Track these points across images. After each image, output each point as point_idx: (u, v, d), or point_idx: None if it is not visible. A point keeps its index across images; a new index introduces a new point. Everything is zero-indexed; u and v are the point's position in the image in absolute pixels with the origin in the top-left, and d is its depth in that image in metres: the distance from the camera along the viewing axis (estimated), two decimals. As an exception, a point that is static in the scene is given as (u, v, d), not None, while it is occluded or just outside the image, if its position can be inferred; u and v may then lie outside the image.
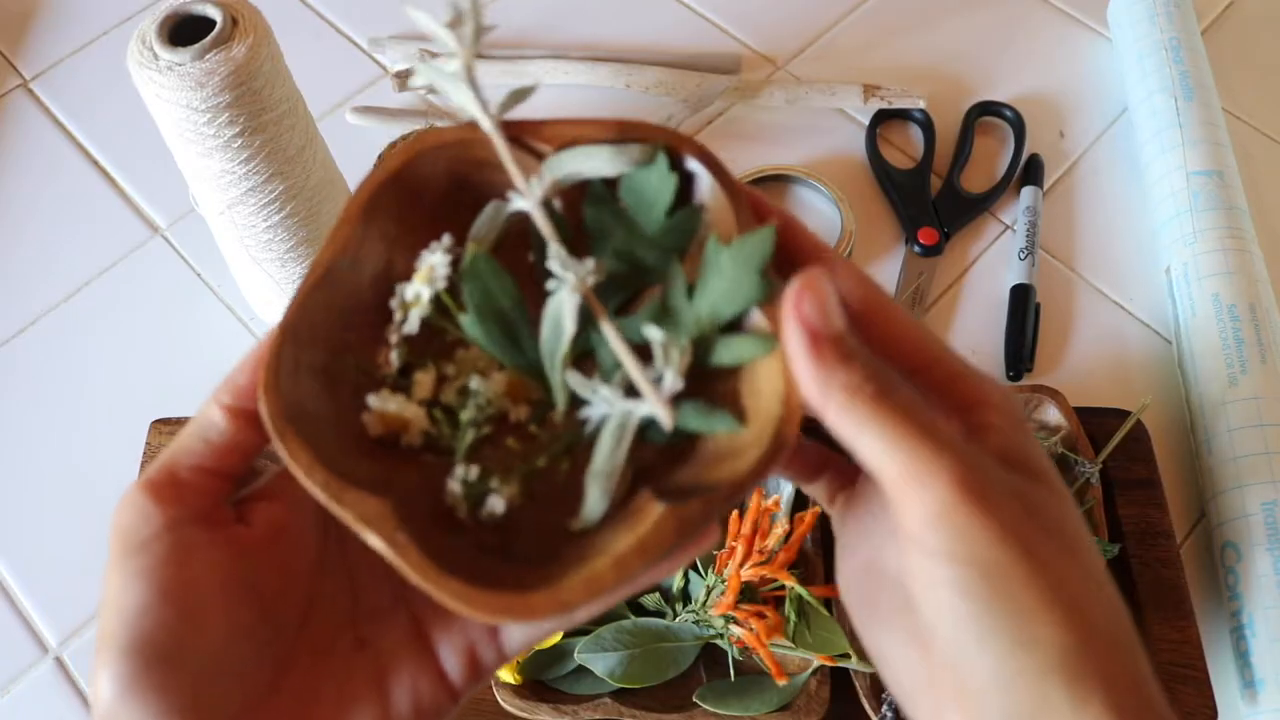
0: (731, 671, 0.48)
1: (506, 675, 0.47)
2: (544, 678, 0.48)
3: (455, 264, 0.31)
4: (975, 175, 0.68)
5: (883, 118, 0.70)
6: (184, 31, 0.47)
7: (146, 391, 0.61)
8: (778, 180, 0.67)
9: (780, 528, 0.47)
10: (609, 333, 0.30)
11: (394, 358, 0.31)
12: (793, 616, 0.47)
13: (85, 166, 0.71)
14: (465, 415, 0.31)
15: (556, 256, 0.30)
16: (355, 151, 0.63)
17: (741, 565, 0.47)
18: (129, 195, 0.70)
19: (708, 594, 0.48)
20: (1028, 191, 0.66)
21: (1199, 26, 0.70)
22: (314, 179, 0.54)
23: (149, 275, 0.66)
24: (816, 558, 0.50)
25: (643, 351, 0.30)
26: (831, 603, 0.48)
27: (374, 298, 0.31)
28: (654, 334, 0.29)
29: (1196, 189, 0.61)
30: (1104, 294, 0.63)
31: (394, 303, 0.31)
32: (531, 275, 0.32)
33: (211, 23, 0.47)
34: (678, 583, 0.49)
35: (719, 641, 0.48)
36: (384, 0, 0.78)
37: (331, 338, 0.30)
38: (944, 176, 0.68)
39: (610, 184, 0.32)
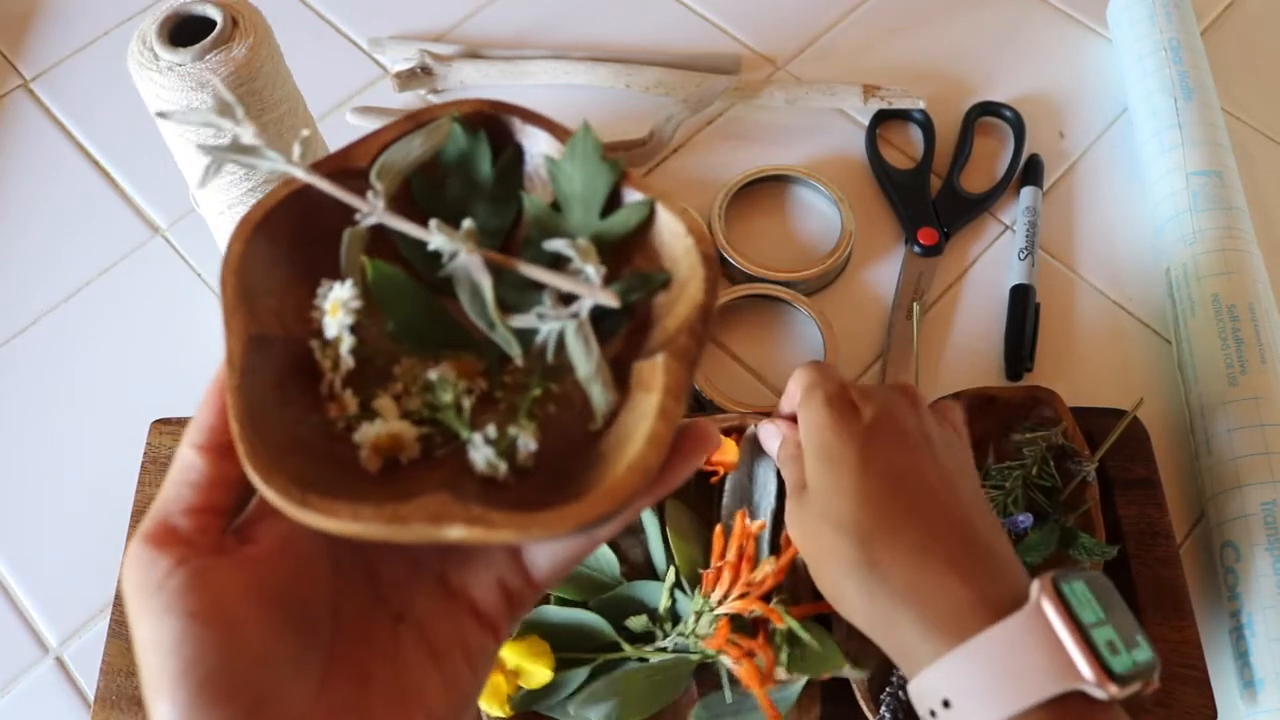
0: (726, 691, 0.47)
1: (496, 710, 0.46)
2: (536, 708, 0.47)
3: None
4: (975, 175, 0.68)
5: (882, 118, 0.70)
6: (184, 32, 0.48)
7: (147, 391, 0.61)
8: (777, 180, 0.67)
9: (769, 565, 0.47)
10: (526, 269, 0.32)
11: (348, 400, 0.31)
12: (785, 647, 0.46)
13: (86, 167, 0.71)
14: (446, 398, 0.31)
15: (436, 234, 0.31)
16: (355, 152, 0.63)
17: (727, 595, 0.47)
18: (129, 195, 0.70)
19: (697, 618, 0.47)
20: (1027, 192, 0.66)
21: (1199, 27, 0.70)
22: (314, 179, 0.54)
23: (149, 275, 0.66)
24: (802, 571, 0.48)
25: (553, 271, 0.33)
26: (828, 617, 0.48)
27: (291, 364, 0.32)
28: (559, 245, 0.32)
29: (1196, 189, 0.61)
30: (1104, 294, 0.63)
31: (318, 354, 0.32)
32: (414, 276, 0.34)
33: (212, 23, 0.47)
34: (664, 603, 0.48)
35: (710, 660, 0.48)
36: (384, 1, 0.78)
37: (281, 416, 0.30)
38: (944, 177, 0.68)
39: (436, 177, 0.35)
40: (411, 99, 0.73)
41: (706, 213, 0.65)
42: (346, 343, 0.31)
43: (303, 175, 0.32)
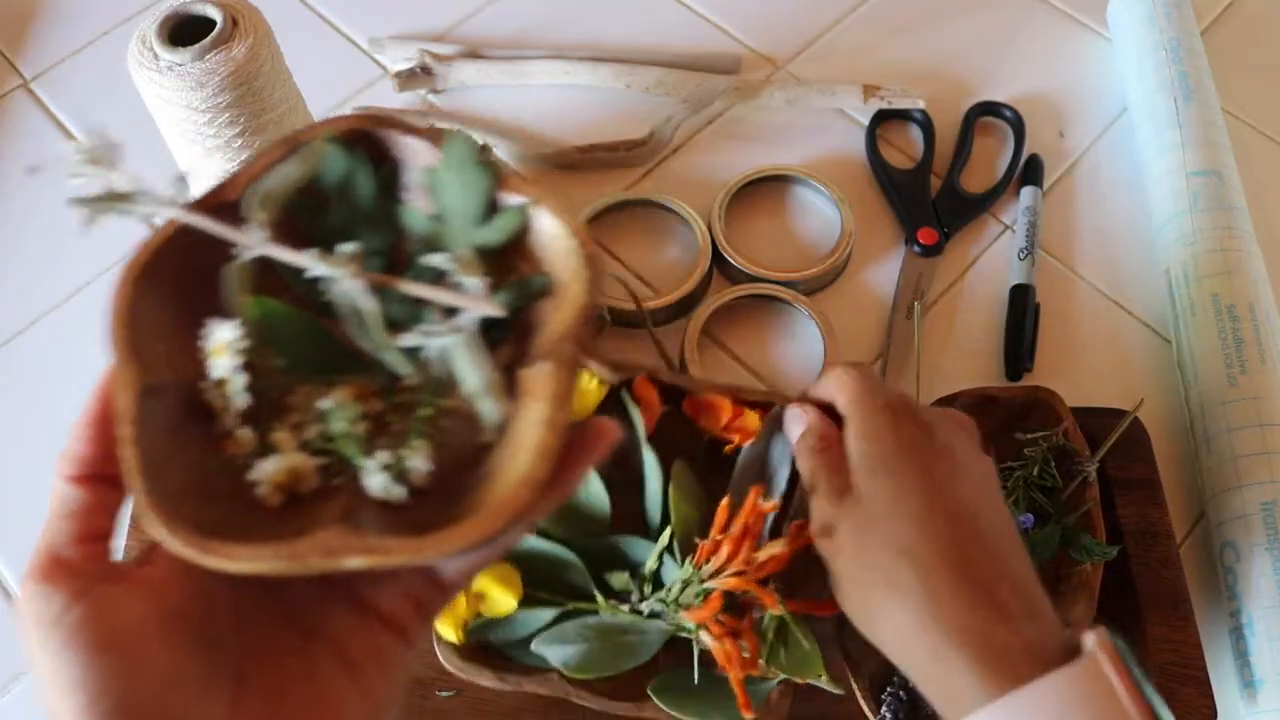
0: (695, 670, 0.44)
1: (449, 633, 0.43)
2: (492, 639, 0.44)
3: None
4: (975, 175, 0.68)
5: (883, 118, 0.70)
6: (184, 32, 0.48)
7: (147, 391, 0.61)
8: (777, 180, 0.67)
9: (778, 547, 0.43)
10: (407, 286, 0.32)
11: (244, 437, 0.32)
12: (769, 636, 0.43)
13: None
14: (338, 426, 0.32)
15: (315, 263, 0.32)
16: (355, 152, 0.63)
17: (723, 568, 0.44)
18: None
19: (683, 588, 0.44)
20: (1027, 191, 0.66)
21: (1198, 27, 0.70)
22: (314, 179, 0.54)
23: (149, 275, 0.66)
24: (801, 567, 0.45)
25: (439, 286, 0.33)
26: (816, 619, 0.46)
27: (186, 407, 0.32)
28: (438, 259, 0.33)
29: (1196, 189, 0.61)
30: (1104, 294, 0.63)
31: (210, 394, 0.32)
32: (298, 303, 0.34)
33: (212, 23, 0.47)
34: (651, 563, 0.45)
35: (684, 633, 0.44)
36: (384, 1, 0.78)
37: (179, 462, 0.31)
38: (944, 177, 0.68)
39: (319, 200, 0.35)
40: (412, 98, 0.73)
41: (707, 213, 0.65)
42: (237, 382, 0.32)
43: (180, 216, 0.32)
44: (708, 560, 0.44)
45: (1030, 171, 0.67)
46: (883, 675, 0.47)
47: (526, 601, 0.44)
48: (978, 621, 0.36)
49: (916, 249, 0.64)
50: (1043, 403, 0.53)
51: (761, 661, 0.42)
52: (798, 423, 0.45)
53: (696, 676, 0.44)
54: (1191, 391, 0.56)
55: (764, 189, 0.67)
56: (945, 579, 0.37)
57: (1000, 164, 0.69)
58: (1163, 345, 0.61)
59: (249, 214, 0.33)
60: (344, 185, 0.35)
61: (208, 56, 0.46)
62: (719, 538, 0.44)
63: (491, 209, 0.34)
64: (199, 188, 0.47)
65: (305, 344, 0.34)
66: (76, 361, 0.63)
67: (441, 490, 0.31)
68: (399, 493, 0.30)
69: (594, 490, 0.46)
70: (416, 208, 0.35)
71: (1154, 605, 0.49)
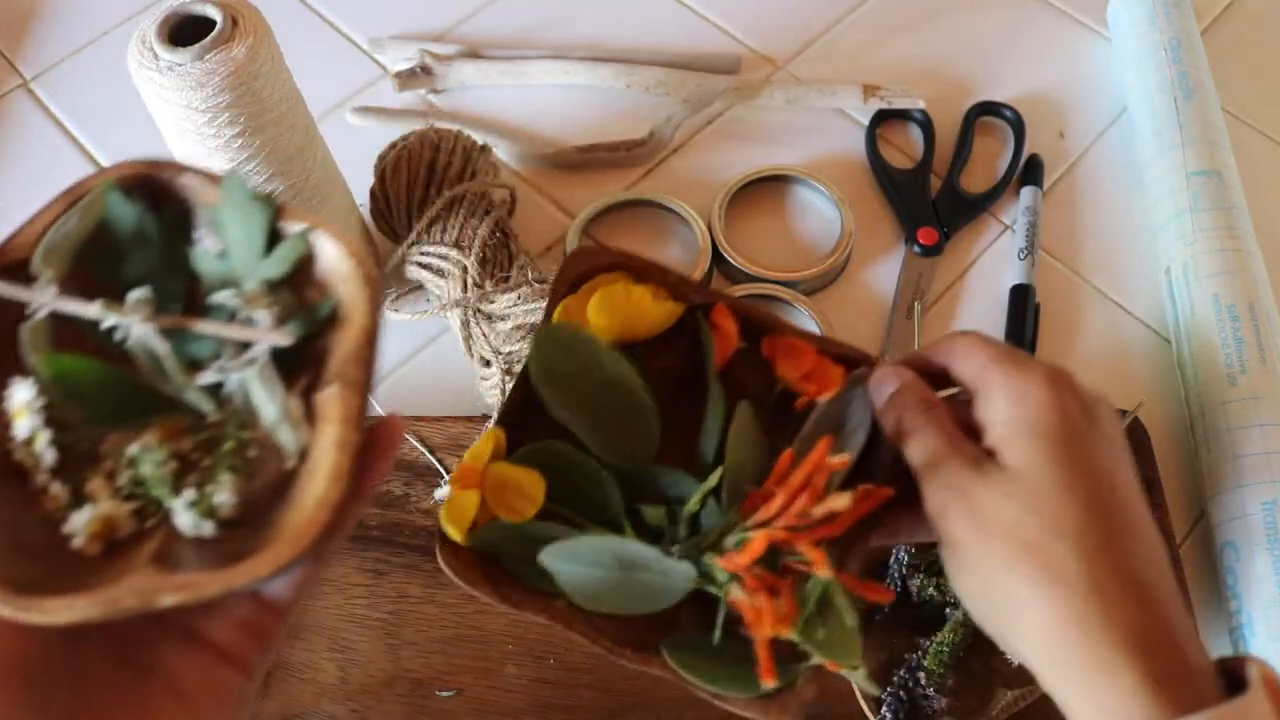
0: (717, 630, 0.38)
1: (453, 530, 0.37)
2: (499, 549, 0.39)
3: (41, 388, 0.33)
4: (975, 175, 0.68)
5: (882, 118, 0.70)
6: (184, 32, 0.48)
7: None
8: (777, 180, 0.67)
9: (843, 500, 0.36)
10: (199, 326, 0.34)
11: (57, 491, 0.32)
12: (810, 605, 0.36)
13: (86, 166, 0.71)
14: (146, 470, 0.33)
15: (105, 313, 0.33)
16: (355, 152, 0.63)
17: (774, 520, 0.37)
18: (129, 195, 0.70)
19: (720, 535, 0.38)
20: (1027, 191, 0.66)
21: (1198, 27, 0.70)
22: (314, 179, 0.54)
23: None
24: (863, 541, 0.40)
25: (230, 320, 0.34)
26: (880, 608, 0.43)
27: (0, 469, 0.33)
28: (226, 297, 0.34)
29: (1196, 189, 0.61)
30: (1103, 294, 0.63)
31: (17, 454, 0.33)
32: (103, 351, 0.34)
33: (211, 23, 0.47)
34: (693, 503, 0.39)
35: (713, 589, 0.38)
36: (384, 1, 0.79)
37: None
38: (944, 176, 0.68)
39: (112, 248, 0.36)
40: (412, 98, 0.73)
41: (707, 213, 0.65)
42: (43, 439, 0.32)
43: None
44: (757, 510, 0.38)
45: (1030, 171, 0.67)
46: (882, 675, 0.47)
47: (546, 515, 0.38)
48: (1149, 629, 0.31)
49: (916, 249, 0.64)
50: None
51: (794, 633, 0.36)
52: (890, 380, 0.39)
53: (717, 637, 0.38)
54: (1191, 391, 0.56)
55: (764, 189, 0.67)
56: (1114, 574, 0.32)
57: (1000, 164, 0.69)
58: (1163, 345, 0.61)
59: (37, 269, 0.34)
60: (133, 232, 0.36)
61: (208, 56, 0.46)
62: (773, 488, 0.38)
63: (274, 241, 0.35)
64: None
65: (107, 394, 0.34)
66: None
67: (253, 519, 0.32)
68: (208, 528, 0.31)
69: (644, 413, 0.41)
70: (206, 248, 0.36)
71: (1154, 605, 0.49)
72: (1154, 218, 0.64)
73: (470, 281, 0.57)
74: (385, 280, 0.63)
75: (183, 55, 0.46)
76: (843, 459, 0.37)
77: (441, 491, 0.40)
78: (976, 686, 0.49)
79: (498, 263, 0.59)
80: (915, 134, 0.70)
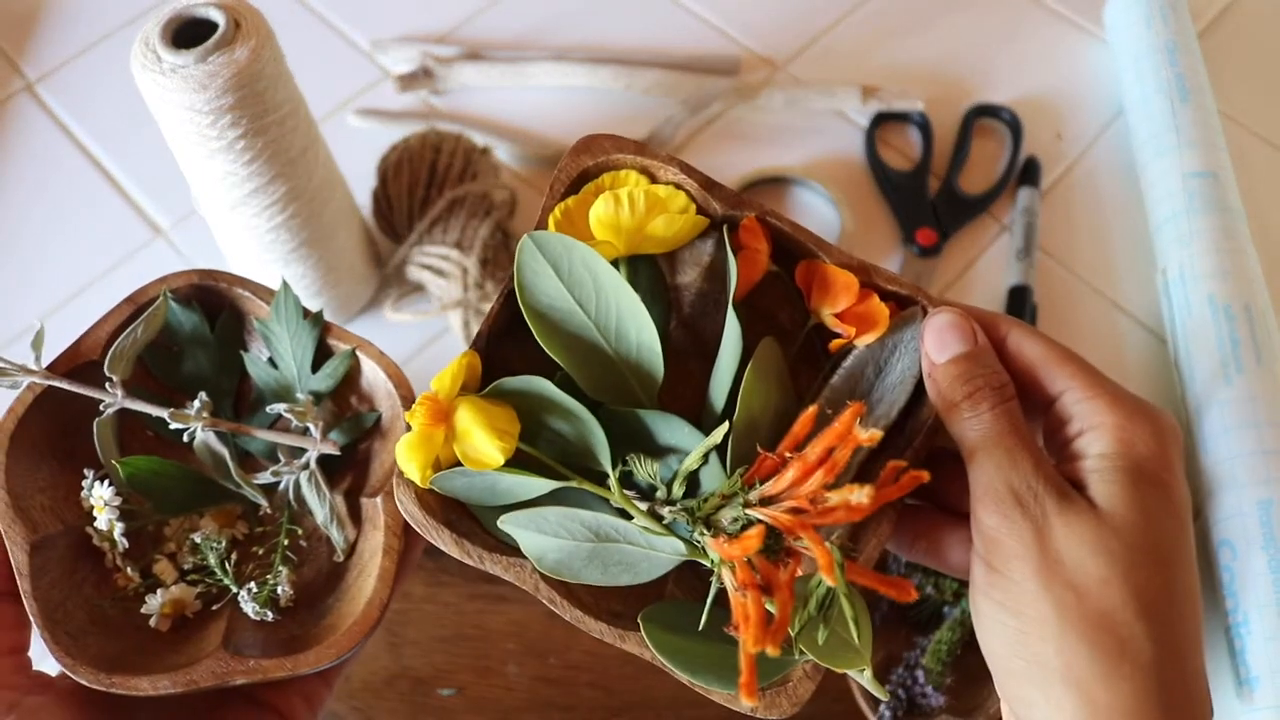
0: (704, 613, 0.32)
1: (413, 470, 0.32)
2: (463, 495, 0.34)
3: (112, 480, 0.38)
4: (973, 177, 0.68)
5: (881, 120, 0.70)
6: (187, 34, 0.48)
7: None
8: (777, 182, 0.68)
9: (864, 495, 0.28)
10: (256, 433, 0.39)
11: (130, 573, 0.38)
12: (810, 608, 0.31)
13: (88, 168, 0.71)
14: (210, 559, 0.38)
15: (171, 419, 0.37)
16: (357, 153, 0.64)
17: (774, 501, 0.31)
18: (132, 197, 0.70)
19: (718, 506, 0.32)
20: (1025, 193, 0.66)
21: (1195, 29, 0.71)
22: (316, 180, 0.54)
23: (152, 277, 0.66)
24: (888, 523, 0.34)
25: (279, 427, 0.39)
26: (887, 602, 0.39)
27: (77, 550, 0.38)
28: (279, 408, 0.38)
29: (1192, 190, 0.61)
30: (1101, 294, 0.63)
31: (96, 540, 0.38)
32: (162, 439, 0.40)
33: (214, 25, 0.48)
34: (692, 460, 0.33)
35: (705, 564, 0.32)
36: (386, 3, 0.79)
37: (77, 601, 0.36)
38: (942, 178, 0.68)
39: (169, 348, 0.40)
40: (413, 100, 0.74)
41: (706, 214, 0.65)
42: (118, 529, 0.37)
43: (42, 381, 0.37)
44: (765, 480, 0.32)
45: (1028, 173, 0.67)
46: (881, 673, 0.47)
47: (519, 461, 0.33)
48: (1194, 707, 0.28)
49: (915, 250, 0.65)
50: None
51: (790, 632, 0.31)
52: (954, 334, 0.32)
53: (705, 619, 0.32)
54: (1188, 391, 0.57)
55: (763, 190, 0.68)
56: (1181, 667, 0.28)
57: (998, 165, 0.69)
58: (1159, 345, 0.61)
59: (108, 372, 0.38)
60: (190, 334, 0.40)
61: (210, 59, 0.47)
62: (788, 455, 0.31)
63: (323, 354, 0.40)
64: (201, 193, 0.48)
65: (172, 488, 0.38)
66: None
67: (308, 602, 0.37)
68: (270, 615, 0.37)
69: (646, 347, 0.34)
70: (257, 354, 0.41)
71: (1150, 603, 0.50)
72: (1151, 219, 0.64)
73: (471, 282, 0.57)
74: (387, 281, 0.63)
75: (185, 57, 0.47)
76: (874, 435, 0.29)
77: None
78: (975, 685, 0.49)
79: (498, 263, 0.59)
80: (914, 136, 0.71)
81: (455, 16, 0.78)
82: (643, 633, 0.31)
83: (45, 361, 0.38)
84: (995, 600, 0.30)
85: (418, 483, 0.33)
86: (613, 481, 0.33)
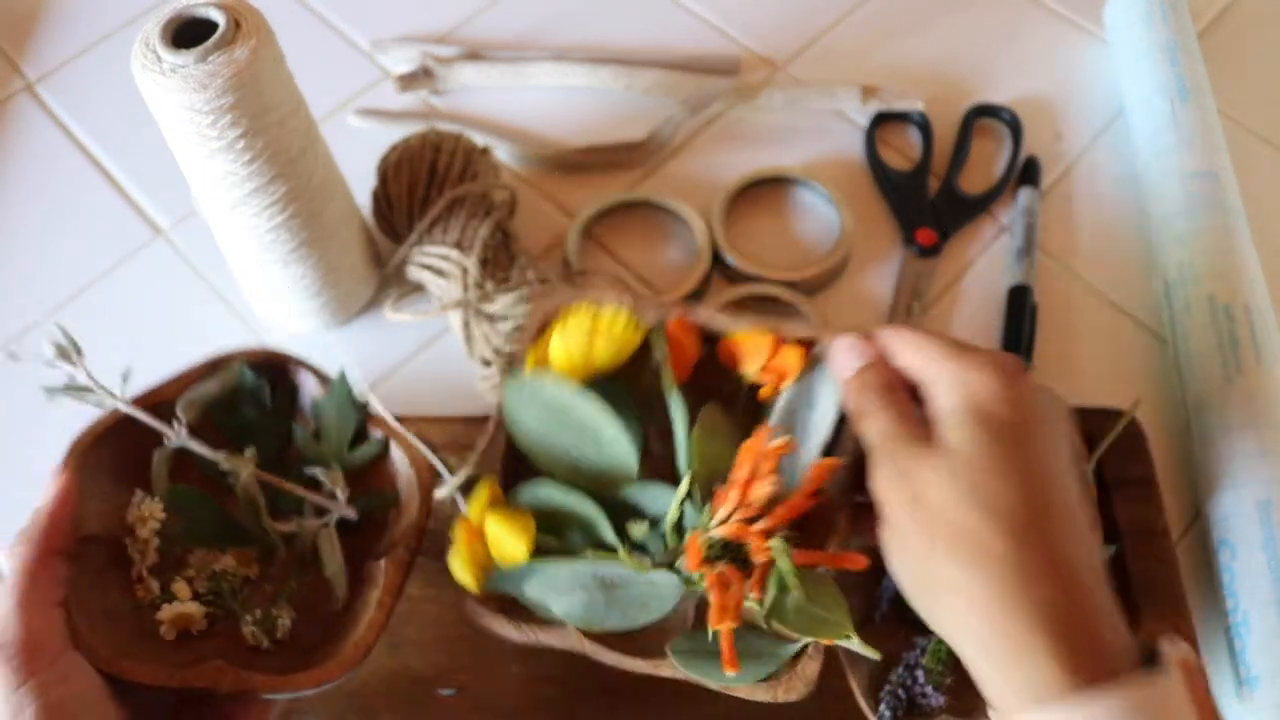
0: (710, 628, 0.39)
1: (466, 579, 0.41)
2: (508, 590, 0.42)
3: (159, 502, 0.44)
4: (973, 176, 0.68)
5: (881, 120, 0.70)
6: (187, 34, 0.48)
7: (149, 391, 0.61)
8: (776, 182, 0.68)
9: (767, 486, 0.38)
10: (290, 487, 0.45)
11: (152, 584, 0.44)
12: (773, 590, 0.38)
13: (89, 168, 0.71)
14: (225, 587, 0.44)
15: (224, 461, 0.44)
16: (357, 153, 0.64)
17: (728, 519, 0.39)
18: (132, 197, 0.70)
19: (692, 535, 0.40)
20: (1025, 193, 0.66)
21: (1195, 29, 0.71)
22: (316, 180, 0.54)
23: (152, 277, 0.67)
24: (842, 514, 0.41)
25: (310, 485, 0.45)
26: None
27: (110, 558, 0.43)
28: (316, 472, 0.45)
29: (1193, 190, 0.61)
30: (1100, 294, 0.63)
31: (130, 549, 0.44)
32: (206, 479, 0.46)
33: (214, 25, 0.48)
34: (672, 513, 0.41)
35: (700, 588, 0.40)
36: (386, 3, 0.79)
37: (102, 600, 0.42)
38: (942, 178, 0.68)
39: (233, 404, 0.47)
40: (413, 100, 0.74)
41: (706, 213, 0.65)
42: (154, 543, 0.44)
43: (124, 408, 0.44)
44: (719, 508, 0.40)
45: (1028, 173, 0.67)
46: (881, 672, 0.47)
47: (545, 552, 0.41)
48: (1068, 606, 0.33)
49: (915, 250, 0.65)
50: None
51: (761, 610, 0.39)
52: (851, 356, 0.40)
53: (711, 635, 0.39)
54: (1188, 391, 0.57)
55: (763, 190, 0.68)
56: (1039, 554, 0.33)
57: (998, 165, 0.69)
58: (1159, 345, 0.61)
59: (179, 413, 0.45)
60: (253, 396, 0.47)
61: (210, 59, 0.47)
62: (731, 482, 0.40)
63: (360, 435, 0.46)
64: (201, 193, 0.48)
65: (206, 520, 0.45)
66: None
67: (300, 639, 0.43)
68: (265, 641, 0.43)
69: (617, 443, 0.42)
70: (303, 425, 0.47)
71: (1150, 603, 0.50)
72: (1151, 219, 0.64)
73: (471, 282, 0.57)
74: (387, 281, 0.63)
75: (185, 57, 0.47)
76: (781, 443, 0.39)
77: (442, 491, 0.43)
78: (975, 685, 0.49)
79: (498, 263, 0.59)
80: (914, 135, 0.71)
81: (455, 16, 0.78)
82: (672, 660, 0.39)
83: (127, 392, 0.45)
84: (893, 545, 0.37)
85: (474, 590, 0.41)
86: (622, 552, 0.41)
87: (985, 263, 0.65)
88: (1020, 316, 0.61)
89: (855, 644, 0.39)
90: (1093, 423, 0.54)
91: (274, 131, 0.50)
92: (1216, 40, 0.74)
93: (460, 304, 0.57)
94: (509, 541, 0.41)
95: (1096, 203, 0.67)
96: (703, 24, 0.77)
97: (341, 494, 0.45)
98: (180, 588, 0.44)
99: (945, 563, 0.34)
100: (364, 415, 0.46)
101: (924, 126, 0.70)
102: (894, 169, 0.68)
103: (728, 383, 0.44)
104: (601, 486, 0.42)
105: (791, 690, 0.39)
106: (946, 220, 0.66)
